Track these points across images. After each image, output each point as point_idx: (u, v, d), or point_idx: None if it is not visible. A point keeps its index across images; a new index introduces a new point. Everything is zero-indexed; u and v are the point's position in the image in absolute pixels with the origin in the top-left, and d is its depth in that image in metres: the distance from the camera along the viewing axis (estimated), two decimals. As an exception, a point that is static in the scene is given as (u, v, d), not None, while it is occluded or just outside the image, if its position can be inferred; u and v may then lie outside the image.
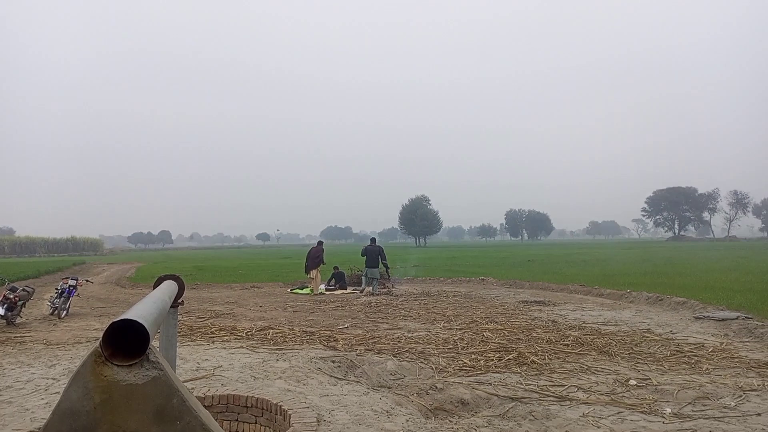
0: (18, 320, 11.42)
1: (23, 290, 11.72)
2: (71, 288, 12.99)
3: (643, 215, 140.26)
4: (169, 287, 4.25)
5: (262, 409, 5.50)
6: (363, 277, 17.54)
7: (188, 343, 8.77)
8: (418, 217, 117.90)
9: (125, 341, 2.19)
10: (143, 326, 2.10)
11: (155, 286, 4.49)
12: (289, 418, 4.98)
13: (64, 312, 12.53)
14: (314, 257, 17.91)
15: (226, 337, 9.22)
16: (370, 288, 16.86)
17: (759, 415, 4.94)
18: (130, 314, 2.17)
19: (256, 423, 5.53)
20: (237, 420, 5.62)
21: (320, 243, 19.02)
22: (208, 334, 9.67)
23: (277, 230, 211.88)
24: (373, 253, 17.13)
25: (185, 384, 6.14)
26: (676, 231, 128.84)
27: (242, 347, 8.22)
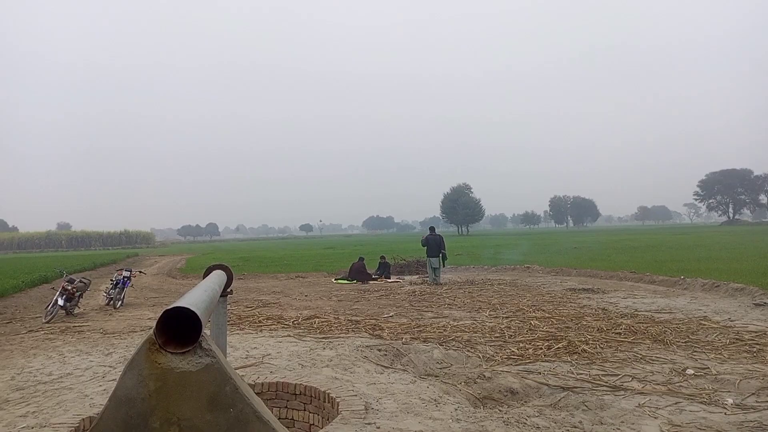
0: (76, 311, 11.91)
1: (80, 282, 12.20)
2: (125, 279, 13.45)
3: (696, 199, 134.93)
4: (218, 277, 4.31)
5: (311, 396, 5.55)
6: (428, 268, 17.36)
7: (237, 331, 8.94)
8: (460, 206, 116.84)
9: (178, 329, 2.22)
10: (195, 314, 2.11)
11: (205, 275, 4.57)
12: (338, 405, 5.00)
13: (120, 302, 13.00)
14: (357, 271, 18.10)
15: (274, 326, 9.35)
16: (435, 277, 16.70)
17: (831, 406, 4.66)
18: (182, 302, 2.18)
19: (304, 410, 5.60)
20: (286, 407, 5.70)
21: (361, 259, 19.12)
22: (256, 322, 9.84)
23: (320, 221, 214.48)
24: (435, 243, 17.02)
25: (237, 371, 6.27)
26: (731, 215, 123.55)
27: (289, 336, 8.32)
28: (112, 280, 13.89)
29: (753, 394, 5.15)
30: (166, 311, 2.17)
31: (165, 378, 2.10)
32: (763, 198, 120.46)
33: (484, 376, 5.96)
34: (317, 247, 55.82)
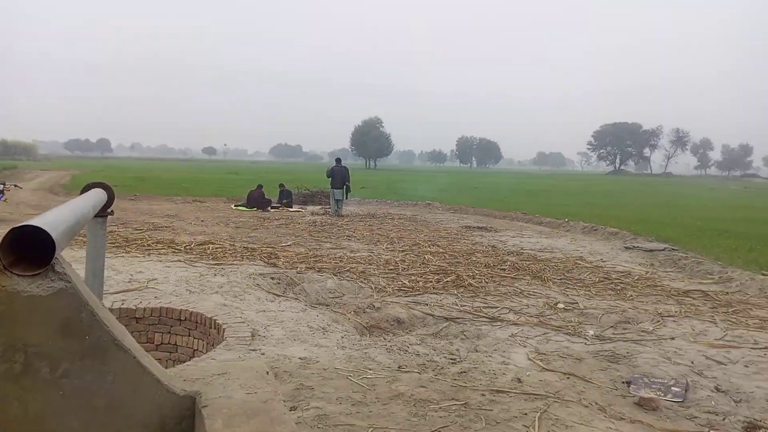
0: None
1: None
2: (-2, 193, 12.27)
3: (588, 149, 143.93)
4: (95, 195, 3.97)
5: (196, 322, 5.45)
6: (331, 199, 17.20)
7: (122, 254, 8.51)
8: (370, 139, 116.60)
9: (34, 250, 2.01)
10: (48, 234, 1.91)
11: (81, 193, 4.22)
12: (223, 332, 4.95)
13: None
14: (255, 200, 17.65)
15: (164, 251, 8.99)
16: (337, 209, 16.63)
17: (673, 338, 5.26)
18: (36, 220, 1.97)
19: (189, 335, 5.49)
20: (170, 332, 5.56)
21: (260, 187, 18.60)
22: (144, 246, 9.40)
23: (225, 144, 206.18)
24: (339, 174, 16.82)
25: (118, 295, 6.00)
26: (617, 166, 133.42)
27: (179, 261, 8.05)
28: (-16, 193, 12.62)
29: (611, 326, 5.71)
30: (13, 229, 1.96)
31: (10, 302, 1.92)
32: (647, 151, 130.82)
33: (374, 306, 6.13)
34: (220, 172, 53.85)
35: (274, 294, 6.44)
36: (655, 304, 6.66)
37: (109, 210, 4.48)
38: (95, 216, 4.33)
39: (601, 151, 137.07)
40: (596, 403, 3.60)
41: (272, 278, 7.04)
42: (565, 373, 4.18)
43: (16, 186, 14.79)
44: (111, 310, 5.50)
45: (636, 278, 8.15)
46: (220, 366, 1.93)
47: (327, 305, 6.27)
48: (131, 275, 6.96)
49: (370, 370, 4.04)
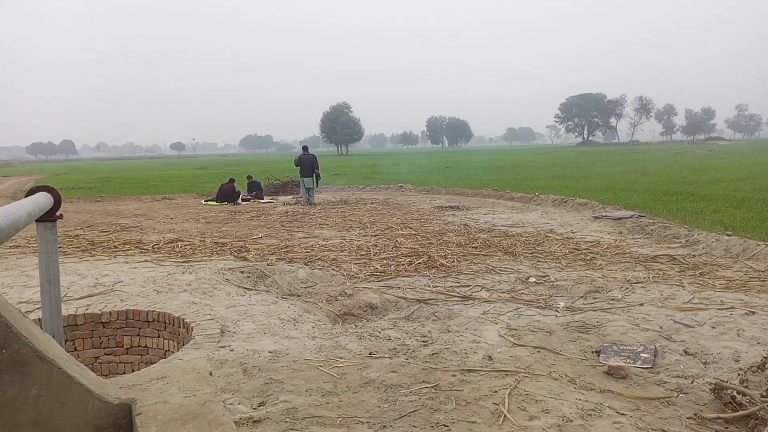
0: None
1: None
2: (-48, 204, 11.82)
3: (556, 121, 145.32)
4: (35, 200, 3.83)
5: (165, 322, 5.33)
6: (302, 188, 17.00)
7: (87, 258, 8.29)
8: (340, 125, 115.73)
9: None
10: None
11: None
12: (192, 330, 4.85)
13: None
14: (226, 193, 17.39)
15: (131, 252, 8.79)
16: (308, 197, 16.46)
17: (641, 305, 5.33)
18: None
19: (158, 337, 5.38)
20: (138, 335, 5.44)
21: (231, 180, 18.32)
22: (110, 248, 9.18)
23: (193, 139, 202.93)
24: (308, 162, 16.61)
25: (82, 300, 5.83)
26: (585, 136, 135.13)
27: (147, 261, 7.87)
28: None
29: (581, 297, 5.76)
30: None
31: None
32: (613, 120, 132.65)
33: (346, 293, 6.09)
34: (189, 167, 52.98)
35: (245, 288, 6.35)
36: (623, 272, 6.75)
37: (57, 214, 4.33)
38: (41, 221, 4.19)
39: (569, 123, 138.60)
40: (566, 375, 3.63)
41: (242, 272, 6.93)
42: (535, 347, 4.20)
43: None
44: (75, 316, 5.38)
45: (605, 247, 8.26)
46: (159, 370, 1.86)
47: (299, 296, 6.21)
48: (96, 279, 6.79)
49: (340, 358, 4.00)
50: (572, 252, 8.02)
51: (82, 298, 5.93)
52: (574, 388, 3.42)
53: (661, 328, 4.63)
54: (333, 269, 7.26)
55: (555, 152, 71.93)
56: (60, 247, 9.52)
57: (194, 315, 5.21)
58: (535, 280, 6.52)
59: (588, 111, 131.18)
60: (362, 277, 6.85)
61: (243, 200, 17.74)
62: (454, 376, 3.63)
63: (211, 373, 2.12)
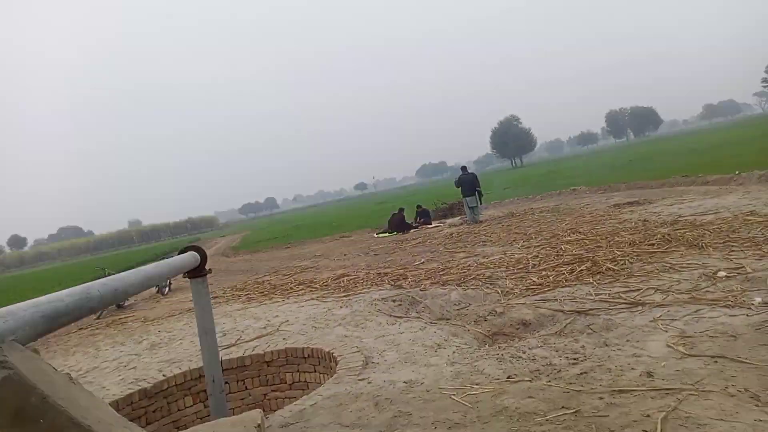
0: (126, 303, 12.42)
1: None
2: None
3: (765, 86, 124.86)
4: (178, 259, 4.22)
5: (318, 357, 5.49)
6: (465, 208, 17.03)
7: (266, 302, 9.02)
8: (510, 138, 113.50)
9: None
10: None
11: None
12: (338, 364, 4.91)
13: (167, 288, 13.47)
14: (396, 223, 18.02)
15: (302, 291, 9.38)
16: (473, 215, 16.35)
17: None
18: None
19: (314, 371, 5.55)
20: (297, 371, 5.68)
21: (401, 210, 18.91)
22: (287, 290, 9.91)
23: (373, 177, 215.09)
24: (468, 182, 16.56)
25: (252, 342, 6.29)
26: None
27: (312, 299, 8.30)
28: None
29: (786, 289, 4.64)
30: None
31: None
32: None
33: (496, 312, 5.70)
34: (369, 204, 56.06)
35: (395, 317, 6.30)
36: None
37: (208, 268, 4.72)
38: (192, 277, 4.59)
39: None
40: (748, 390, 2.86)
41: (393, 300, 6.91)
42: (712, 357, 3.43)
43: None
44: (243, 357, 5.79)
45: (825, 223, 6.64)
46: (209, 425, 1.80)
47: (447, 319, 5.96)
48: (268, 321, 7.32)
49: (476, 385, 3.68)
50: (778, 235, 6.59)
51: (252, 339, 6.40)
52: (756, 405, 2.67)
53: None
54: (486, 288, 6.89)
55: (764, 122, 61.69)
56: (248, 294, 10.60)
57: (342, 348, 5.28)
58: (725, 274, 5.44)
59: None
60: (517, 292, 6.38)
61: (412, 229, 18.06)
62: (600, 398, 3.09)
63: (259, 426, 2.04)
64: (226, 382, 5.70)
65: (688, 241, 7.17)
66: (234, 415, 5.56)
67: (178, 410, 5.53)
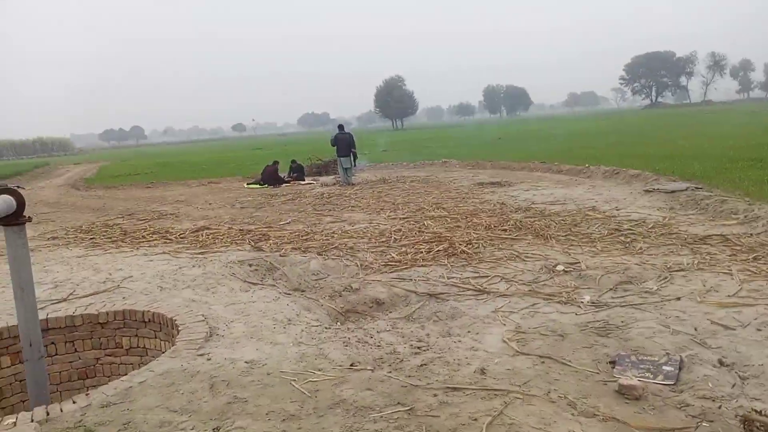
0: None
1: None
2: (1, 197, 12.26)
3: (621, 83, 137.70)
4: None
5: (159, 323, 5.14)
6: (339, 168, 16.74)
7: (112, 250, 8.30)
8: (394, 100, 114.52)
9: None
10: None
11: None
12: (179, 333, 4.62)
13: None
14: (269, 175, 17.44)
15: (155, 242, 8.76)
16: (346, 177, 16.17)
17: (678, 299, 4.67)
18: None
19: (155, 338, 5.20)
20: (136, 335, 5.28)
21: (275, 163, 18.27)
22: (138, 239, 9.20)
23: (252, 120, 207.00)
24: (344, 142, 16.25)
25: (87, 298, 5.73)
26: (653, 98, 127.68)
27: (164, 253, 7.78)
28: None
29: (611, 289, 5.13)
30: None
31: None
32: (683, 80, 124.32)
33: (351, 288, 5.71)
34: (245, 149, 53.90)
35: (250, 283, 6.08)
36: (665, 257, 6.02)
37: (24, 216, 4.14)
38: (6, 225, 4.00)
39: (635, 84, 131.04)
40: (567, 396, 3.10)
41: (250, 265, 6.67)
42: (540, 356, 3.68)
43: (19, 188, 14.76)
44: (73, 317, 5.26)
45: (650, 226, 7.46)
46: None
47: (303, 291, 5.88)
48: (109, 274, 6.72)
49: (318, 371, 3.64)
50: (611, 233, 7.29)
51: (87, 295, 5.84)
52: (572, 414, 2.90)
53: (695, 330, 3.99)
54: (347, 259, 6.89)
55: (619, 117, 68.33)
56: (93, 238, 9.70)
57: (187, 315, 4.98)
58: (563, 268, 5.91)
59: (656, 71, 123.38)
60: (376, 267, 6.44)
61: (284, 183, 17.65)
62: (435, 396, 3.19)
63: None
64: (52, 343, 5.17)
65: (536, 231, 7.71)
66: (54, 383, 5.07)
67: (-9, 372, 4.92)
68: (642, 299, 4.79)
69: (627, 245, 6.66)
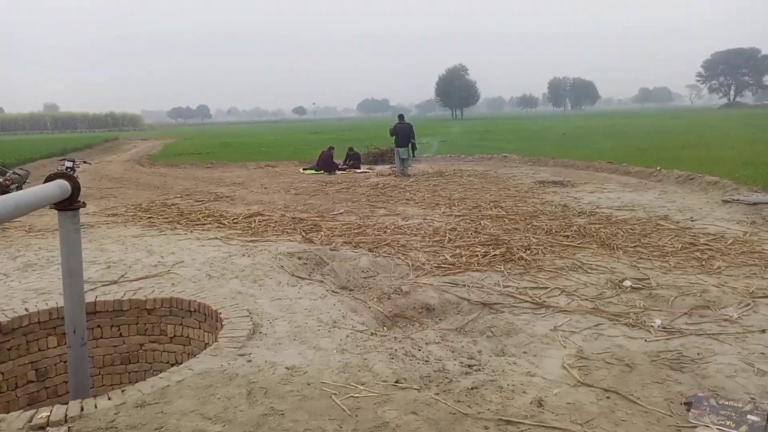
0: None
1: (14, 173, 11.50)
2: (68, 170, 12.71)
3: (698, 80, 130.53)
4: (44, 190, 3.59)
5: (204, 314, 5.07)
6: (396, 158, 16.51)
7: (167, 232, 8.39)
8: (455, 88, 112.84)
9: None
10: None
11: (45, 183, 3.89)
12: (222, 327, 4.52)
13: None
14: (324, 162, 17.35)
15: (209, 226, 8.79)
16: (403, 168, 15.92)
17: (763, 332, 4.17)
18: None
19: (199, 328, 5.13)
20: (181, 324, 5.24)
21: (331, 148, 18.16)
22: (193, 221, 9.27)
23: (313, 104, 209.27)
24: (403, 132, 16.00)
25: (136, 282, 5.75)
26: (731, 97, 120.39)
27: (216, 238, 7.77)
28: (57, 170, 13.15)
29: (685, 313, 4.66)
30: None
31: None
32: (767, 79, 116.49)
33: (401, 291, 5.47)
34: (304, 132, 54.48)
35: (298, 277, 5.94)
36: (748, 279, 5.45)
37: (78, 201, 4.09)
38: (61, 209, 3.96)
39: (713, 82, 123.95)
40: (634, 443, 2.76)
41: (299, 258, 6.53)
42: (606, 390, 3.32)
43: (86, 162, 15.31)
44: (122, 301, 5.26)
45: (729, 242, 6.82)
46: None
47: (351, 290, 5.69)
48: (161, 257, 6.75)
49: (361, 385, 3.42)
50: (686, 247, 6.71)
51: (138, 279, 5.86)
52: (640, 468, 2.56)
53: (787, 373, 3.52)
54: (399, 257, 6.64)
55: (693, 115, 64.77)
56: (150, 217, 9.87)
57: (232, 309, 4.87)
58: (630, 284, 5.45)
59: (737, 68, 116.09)
60: (427, 269, 6.16)
61: (339, 170, 17.56)
62: (486, 429, 2.90)
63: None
64: (98, 326, 5.19)
65: (601, 239, 7.21)
66: (97, 366, 5.09)
67: (39, 350, 4.98)
68: (721, 328, 4.31)
69: (703, 262, 6.09)
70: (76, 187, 3.97)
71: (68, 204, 3.96)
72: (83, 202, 4.09)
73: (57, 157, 21.43)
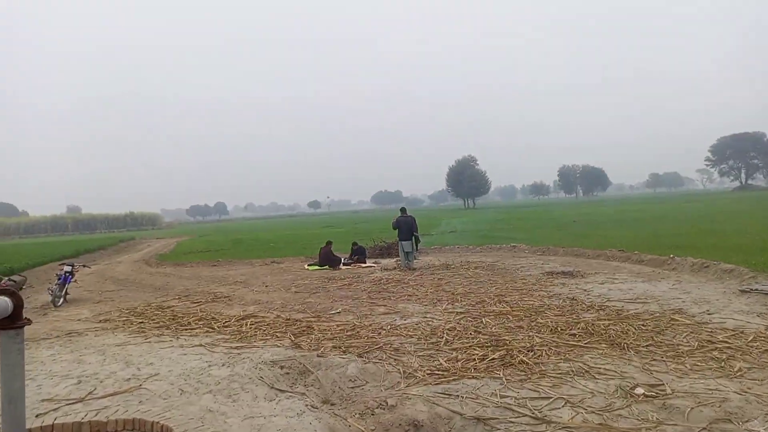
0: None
1: (9, 280, 11.36)
2: (67, 275, 12.58)
3: (708, 165, 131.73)
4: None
5: (168, 438, 4.59)
6: (400, 252, 16.24)
7: (152, 339, 8.00)
8: (466, 178, 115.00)
9: None
10: None
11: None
12: (180, 457, 4.04)
13: (61, 300, 12.13)
14: (325, 257, 17.32)
15: (197, 330, 8.40)
16: (407, 261, 15.59)
17: (797, 452, 3.60)
18: None
19: (162, 454, 4.64)
20: (144, 449, 4.75)
21: (329, 243, 18.16)
22: (183, 325, 8.90)
23: (327, 197, 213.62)
24: (406, 225, 15.85)
25: (104, 400, 5.31)
26: (743, 180, 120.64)
27: (201, 345, 7.36)
28: (57, 275, 13.03)
29: (704, 429, 4.10)
30: None
31: None
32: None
33: (386, 404, 4.95)
34: (317, 226, 54.97)
35: (277, 389, 5.46)
36: (774, 384, 4.88)
37: (25, 318, 3.79)
38: (0, 329, 3.64)
39: (722, 166, 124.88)
40: None
41: (282, 366, 6.07)
42: None
43: (84, 266, 15.22)
44: (81, 424, 4.81)
45: (750, 339, 6.26)
46: None
47: (333, 404, 5.18)
48: (138, 369, 6.33)
49: None
50: (703, 346, 6.15)
51: (105, 396, 5.41)
52: None
53: None
54: (390, 363, 6.16)
55: (706, 200, 64.53)
56: (141, 322, 9.52)
57: (199, 430, 4.40)
58: (642, 391, 4.90)
59: (744, 152, 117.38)
60: (420, 376, 5.66)
61: (344, 265, 17.29)
62: None
63: None
64: (55, 451, 4.71)
65: (611, 338, 6.68)
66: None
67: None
68: (747, 448, 3.74)
69: (722, 363, 5.53)
70: (18, 304, 3.69)
71: (9, 323, 3.66)
72: (28, 319, 3.78)
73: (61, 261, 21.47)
